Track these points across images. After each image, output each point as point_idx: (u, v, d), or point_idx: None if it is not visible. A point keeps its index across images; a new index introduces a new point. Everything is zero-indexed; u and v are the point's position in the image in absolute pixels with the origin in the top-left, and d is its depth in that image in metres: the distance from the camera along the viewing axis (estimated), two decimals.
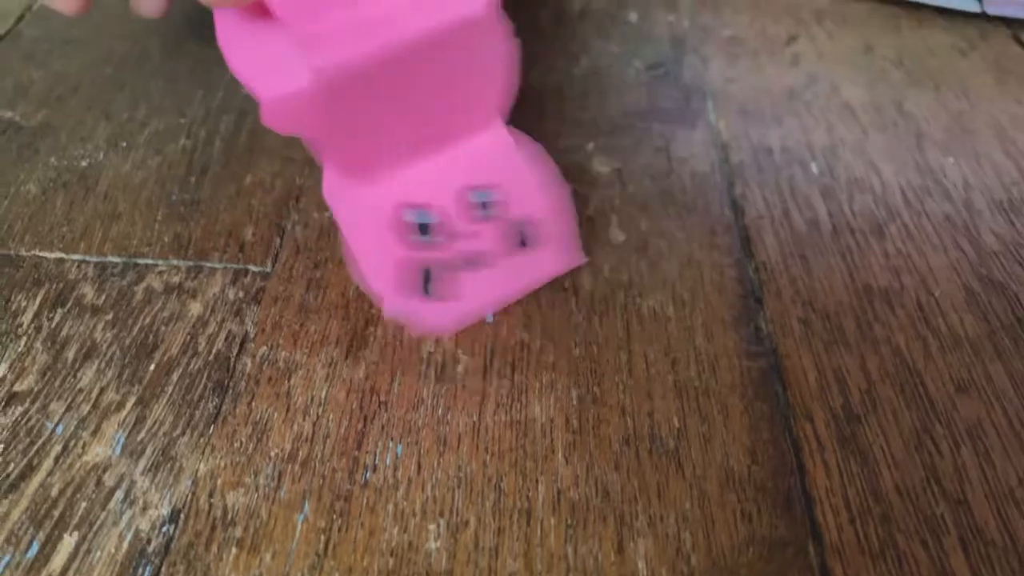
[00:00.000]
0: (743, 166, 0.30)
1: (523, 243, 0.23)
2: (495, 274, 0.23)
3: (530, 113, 0.33)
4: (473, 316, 0.24)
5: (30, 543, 0.19)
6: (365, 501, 0.20)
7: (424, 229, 0.22)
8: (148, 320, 0.24)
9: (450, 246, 0.22)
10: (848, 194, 0.29)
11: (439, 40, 0.19)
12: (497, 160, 0.22)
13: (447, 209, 0.22)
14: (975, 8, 0.39)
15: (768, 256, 0.27)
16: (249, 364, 0.23)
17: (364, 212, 0.22)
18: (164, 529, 0.20)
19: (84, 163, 0.30)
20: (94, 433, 0.21)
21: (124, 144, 0.31)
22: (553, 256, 0.23)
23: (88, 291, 0.25)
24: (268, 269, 0.26)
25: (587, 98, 0.34)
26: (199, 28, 0.37)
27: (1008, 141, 0.32)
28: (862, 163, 0.31)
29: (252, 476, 0.21)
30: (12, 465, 0.21)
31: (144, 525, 0.20)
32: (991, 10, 0.39)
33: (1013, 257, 0.27)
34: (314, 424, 0.22)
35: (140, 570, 0.19)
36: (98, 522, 0.20)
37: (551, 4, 0.40)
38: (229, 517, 0.20)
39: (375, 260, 0.22)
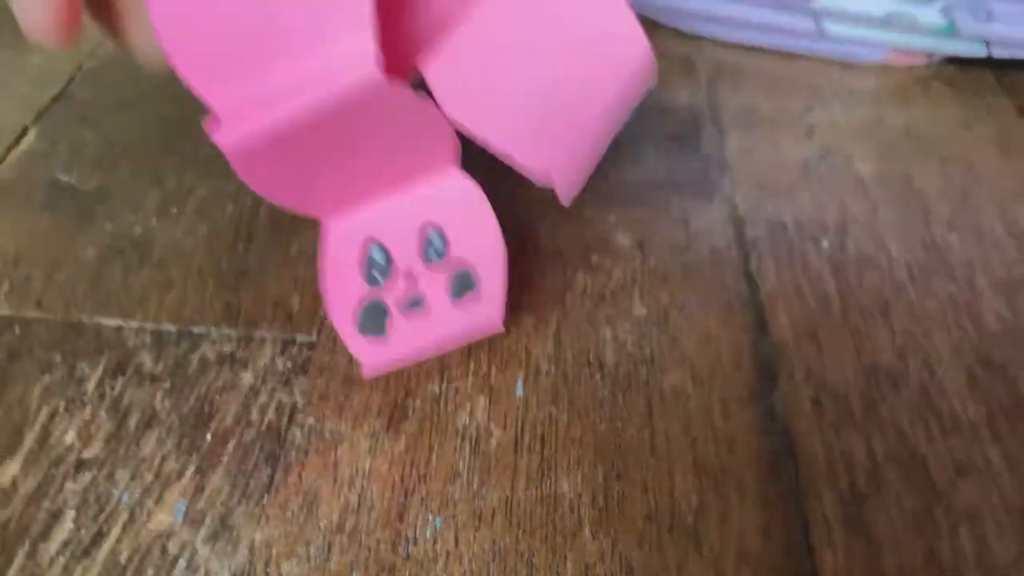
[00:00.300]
0: (758, 241, 0.32)
1: (461, 294, 0.24)
2: (431, 322, 0.25)
3: None
4: (406, 361, 0.25)
5: None
6: (407, 573, 0.22)
7: (379, 266, 0.24)
8: (203, 390, 0.26)
9: (400, 286, 0.24)
10: (857, 272, 0.31)
11: (341, 107, 0.20)
12: (452, 205, 0.24)
13: (402, 248, 0.24)
14: (982, 53, 0.41)
15: (782, 334, 0.29)
16: (298, 435, 0.25)
17: (330, 246, 0.24)
18: None
19: (138, 229, 0.32)
20: (157, 501, 0.23)
21: (174, 210, 0.33)
22: (481, 316, 0.25)
23: (146, 359, 0.27)
24: (314, 339, 0.28)
25: (609, 169, 0.36)
26: None
27: (1010, 218, 0.34)
28: (871, 240, 0.32)
29: (304, 546, 0.22)
30: (84, 531, 0.23)
31: None
32: (997, 54, 0.40)
33: (1011, 339, 0.29)
34: (359, 496, 0.24)
35: None
36: None
37: None
38: None
39: (336, 294, 0.24)
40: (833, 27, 0.41)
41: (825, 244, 0.32)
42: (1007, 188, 0.35)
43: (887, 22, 0.39)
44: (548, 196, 0.34)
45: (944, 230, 0.33)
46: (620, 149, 0.37)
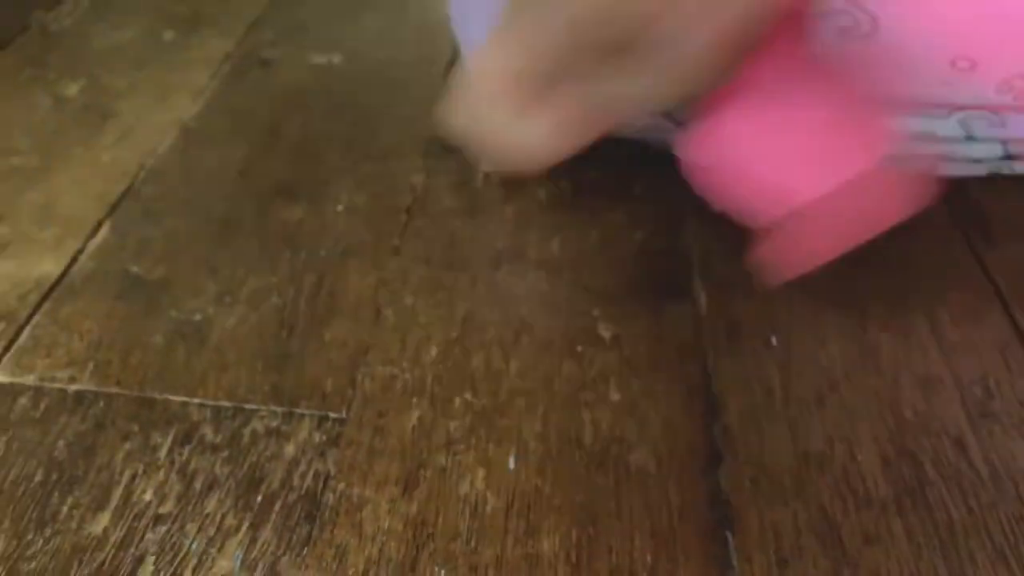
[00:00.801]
0: (717, 336, 0.38)
1: None
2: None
3: (551, 281, 0.41)
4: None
5: None
6: None
7: None
8: (255, 458, 0.32)
9: None
10: (799, 368, 0.37)
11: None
12: None
13: None
14: (999, 153, 0.45)
15: (731, 421, 0.34)
16: (331, 498, 0.31)
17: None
18: None
19: (198, 316, 0.38)
20: (219, 550, 0.29)
21: (228, 299, 0.39)
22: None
23: (208, 431, 0.33)
24: (344, 416, 0.34)
25: (596, 267, 0.42)
26: (285, 194, 0.46)
27: (935, 320, 0.39)
28: (813, 339, 0.38)
29: None
30: (162, 573, 0.28)
31: None
32: (1014, 151, 0.45)
33: (923, 429, 0.34)
34: (380, 550, 0.29)
35: None
36: None
37: (570, 175, 0.48)
38: None
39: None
40: None
41: (774, 341, 0.38)
42: (936, 290, 0.41)
43: (912, 139, 0.44)
44: (544, 291, 0.40)
45: (878, 330, 0.39)
46: (607, 249, 0.43)
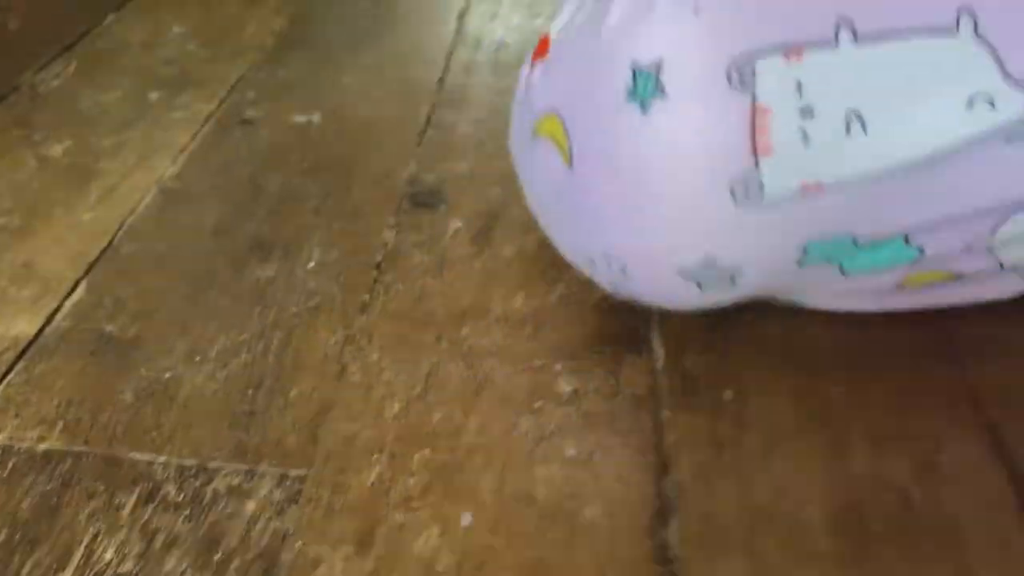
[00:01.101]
0: (673, 391, 0.39)
1: None
2: None
3: (514, 336, 0.42)
4: None
5: None
6: None
7: None
8: (215, 517, 0.33)
9: None
10: (750, 422, 0.38)
11: None
12: None
13: None
14: None
15: (681, 475, 0.35)
16: (289, 556, 0.32)
17: None
18: None
19: (168, 375, 0.39)
20: None
21: (198, 358, 0.40)
22: None
23: (171, 490, 0.34)
24: (304, 472, 0.35)
25: (559, 322, 0.43)
26: (259, 251, 0.47)
27: (885, 377, 0.40)
28: (766, 394, 0.39)
29: None
30: None
31: None
32: None
33: (870, 484, 0.35)
34: None
35: None
36: None
37: (537, 231, 0.50)
38: None
39: None
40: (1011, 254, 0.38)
41: (727, 395, 0.39)
42: (889, 347, 0.42)
43: None
44: (507, 346, 0.41)
45: (830, 385, 0.40)
46: (569, 305, 0.44)
